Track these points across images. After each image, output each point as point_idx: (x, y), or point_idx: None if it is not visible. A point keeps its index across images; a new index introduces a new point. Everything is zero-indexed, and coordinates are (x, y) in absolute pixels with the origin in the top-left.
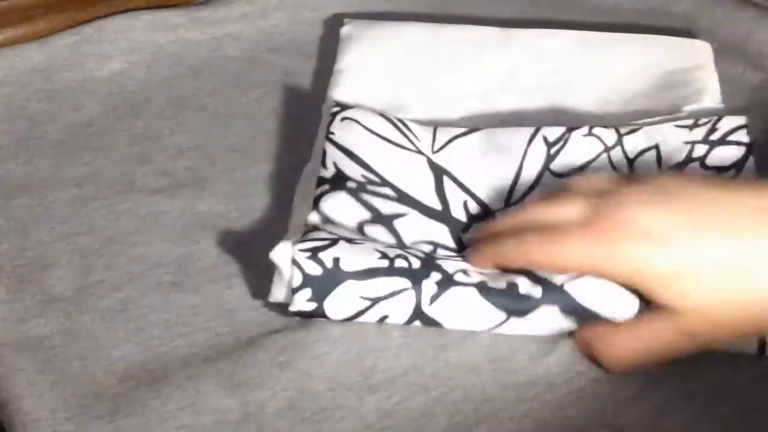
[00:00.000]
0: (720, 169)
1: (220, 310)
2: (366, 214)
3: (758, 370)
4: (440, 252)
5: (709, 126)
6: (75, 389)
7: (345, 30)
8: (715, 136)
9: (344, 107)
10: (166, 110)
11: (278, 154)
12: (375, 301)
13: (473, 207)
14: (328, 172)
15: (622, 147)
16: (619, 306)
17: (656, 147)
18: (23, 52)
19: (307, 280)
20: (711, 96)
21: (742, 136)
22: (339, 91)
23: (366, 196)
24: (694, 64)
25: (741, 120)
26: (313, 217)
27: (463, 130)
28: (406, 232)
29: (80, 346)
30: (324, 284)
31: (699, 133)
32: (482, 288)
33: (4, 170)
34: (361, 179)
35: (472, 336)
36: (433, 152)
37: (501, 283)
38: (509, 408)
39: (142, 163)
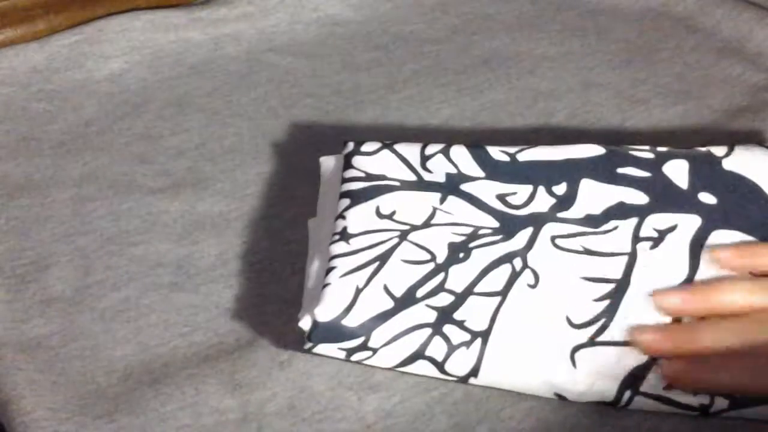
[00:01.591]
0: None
1: (220, 310)
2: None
3: None
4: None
5: None
6: (75, 389)
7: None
8: None
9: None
10: (166, 110)
11: (278, 154)
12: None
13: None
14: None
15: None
16: None
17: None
18: (23, 52)
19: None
20: None
21: None
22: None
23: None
24: None
25: None
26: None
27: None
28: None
29: (80, 346)
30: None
31: None
32: None
33: (4, 170)
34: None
35: None
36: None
37: None
38: (510, 408)
39: (142, 163)
